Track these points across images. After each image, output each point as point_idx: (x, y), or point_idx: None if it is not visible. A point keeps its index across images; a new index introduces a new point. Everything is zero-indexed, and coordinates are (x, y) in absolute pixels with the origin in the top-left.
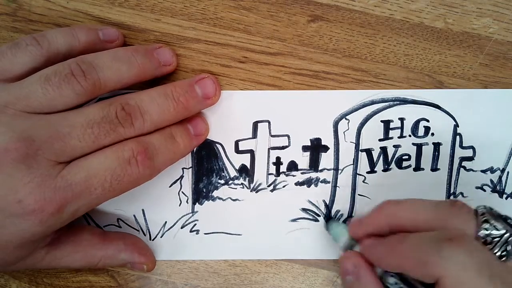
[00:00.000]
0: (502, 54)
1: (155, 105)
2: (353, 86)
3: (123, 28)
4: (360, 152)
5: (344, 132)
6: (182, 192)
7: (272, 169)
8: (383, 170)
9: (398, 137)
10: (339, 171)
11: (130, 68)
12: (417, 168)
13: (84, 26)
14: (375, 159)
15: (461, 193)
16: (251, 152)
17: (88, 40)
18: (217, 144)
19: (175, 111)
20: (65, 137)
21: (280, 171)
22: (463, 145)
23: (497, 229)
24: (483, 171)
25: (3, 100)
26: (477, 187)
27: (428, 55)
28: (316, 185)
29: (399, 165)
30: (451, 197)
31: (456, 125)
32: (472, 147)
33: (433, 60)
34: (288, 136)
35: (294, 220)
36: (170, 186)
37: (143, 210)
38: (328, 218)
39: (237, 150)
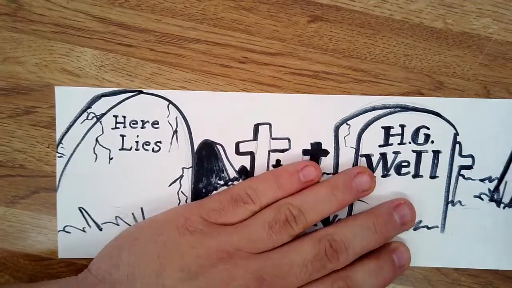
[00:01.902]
0: (502, 54)
1: (358, 239)
2: (353, 86)
3: (123, 28)
4: (360, 157)
5: (344, 137)
6: (182, 191)
7: None
8: (382, 176)
9: (398, 144)
10: None
11: (331, 207)
12: (416, 175)
13: (286, 172)
14: (374, 165)
15: (459, 201)
16: (251, 154)
17: (292, 187)
18: (217, 145)
19: (377, 243)
20: (286, 275)
21: None
22: (463, 154)
23: None
24: (482, 180)
25: (236, 245)
26: (475, 196)
27: (428, 55)
28: None
29: (398, 172)
30: (449, 205)
31: (456, 134)
32: (472, 156)
33: (433, 60)
34: (289, 139)
35: None
36: (169, 186)
37: (141, 209)
38: None
39: (238, 152)
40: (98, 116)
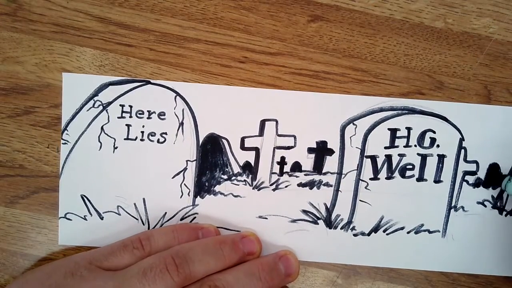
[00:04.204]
0: (502, 54)
1: (240, 285)
2: (353, 86)
3: (123, 28)
4: (365, 158)
5: (350, 137)
6: (185, 184)
7: (276, 168)
8: (386, 178)
9: (404, 146)
10: (343, 176)
11: (217, 261)
12: (420, 178)
13: (186, 227)
14: (379, 166)
15: (462, 207)
16: (256, 150)
17: (188, 240)
18: (223, 139)
19: None
20: None
21: (284, 171)
22: (467, 159)
23: None
24: (485, 187)
25: None
26: (478, 202)
27: (428, 55)
28: (318, 188)
29: (403, 174)
30: (452, 211)
31: (462, 139)
32: (476, 162)
33: (433, 60)
34: (295, 137)
35: (294, 221)
36: (173, 178)
37: (143, 199)
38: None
39: (243, 147)
40: (104, 105)
